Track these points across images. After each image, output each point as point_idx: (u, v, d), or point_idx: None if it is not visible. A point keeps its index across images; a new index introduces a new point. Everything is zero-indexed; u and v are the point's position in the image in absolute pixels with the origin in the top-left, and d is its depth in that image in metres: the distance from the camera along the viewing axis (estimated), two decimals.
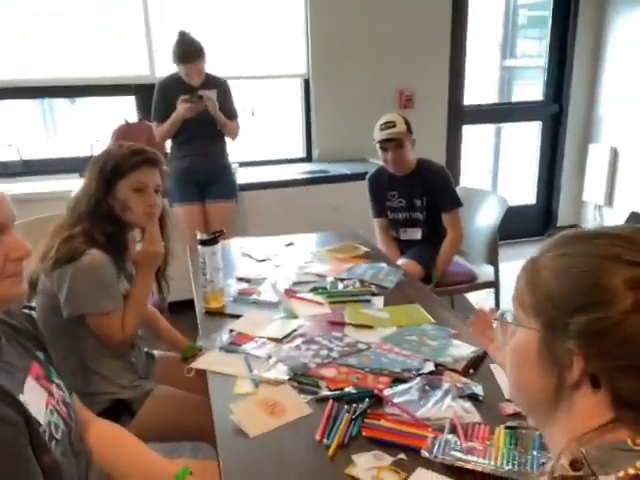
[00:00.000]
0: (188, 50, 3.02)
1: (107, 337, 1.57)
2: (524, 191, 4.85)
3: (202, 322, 1.76)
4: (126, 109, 3.63)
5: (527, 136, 4.80)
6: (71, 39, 3.43)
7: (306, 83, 3.96)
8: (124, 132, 3.33)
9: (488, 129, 4.89)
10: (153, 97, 3.18)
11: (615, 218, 4.35)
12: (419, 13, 3.99)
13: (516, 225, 4.64)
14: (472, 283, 2.81)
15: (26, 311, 1.46)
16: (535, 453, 1.08)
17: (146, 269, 1.66)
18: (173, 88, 3.11)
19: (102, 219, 1.58)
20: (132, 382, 1.67)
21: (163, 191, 1.71)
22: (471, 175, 4.59)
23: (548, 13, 4.44)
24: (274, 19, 3.78)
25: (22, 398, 0.92)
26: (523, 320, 0.71)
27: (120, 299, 1.60)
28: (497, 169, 5.00)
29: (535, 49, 4.91)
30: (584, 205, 4.71)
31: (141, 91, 3.62)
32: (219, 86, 3.17)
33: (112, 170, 1.59)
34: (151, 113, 3.20)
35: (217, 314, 1.80)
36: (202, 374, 1.47)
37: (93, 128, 3.70)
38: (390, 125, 2.58)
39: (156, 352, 1.92)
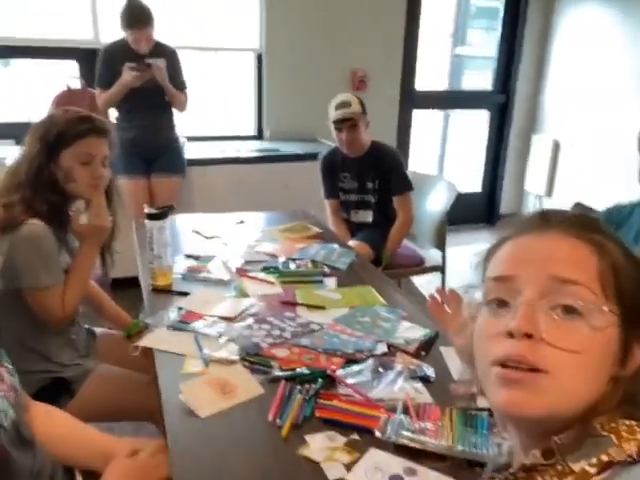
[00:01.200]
0: (137, 15, 2.88)
1: (45, 313, 1.49)
2: (470, 178, 4.96)
3: (148, 299, 1.70)
4: (68, 74, 3.43)
5: (475, 124, 4.89)
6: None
7: (259, 58, 3.87)
8: (65, 99, 3.15)
9: (437, 115, 4.94)
10: (97, 62, 3.02)
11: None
12: None
13: (462, 211, 4.75)
14: (420, 267, 2.85)
15: None
16: (485, 432, 1.11)
17: (91, 243, 1.58)
18: (119, 54, 2.96)
19: (44, 188, 1.48)
20: (72, 360, 1.60)
21: (110, 162, 1.63)
22: (419, 160, 4.64)
23: (500, 4, 4.51)
24: None
25: None
26: (597, 304, 0.58)
27: (61, 273, 1.51)
28: (444, 155, 5.08)
29: (486, 39, 4.99)
30: (526, 194, 4.86)
31: (84, 56, 3.44)
32: (168, 55, 3.05)
33: (56, 137, 1.49)
34: (95, 79, 3.05)
35: (164, 291, 1.74)
36: (147, 353, 1.42)
37: (31, 93, 3.49)
38: (345, 105, 2.57)
39: (98, 329, 1.85)
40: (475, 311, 0.67)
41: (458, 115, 4.97)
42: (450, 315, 1.16)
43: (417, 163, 4.53)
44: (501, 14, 4.51)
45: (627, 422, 0.58)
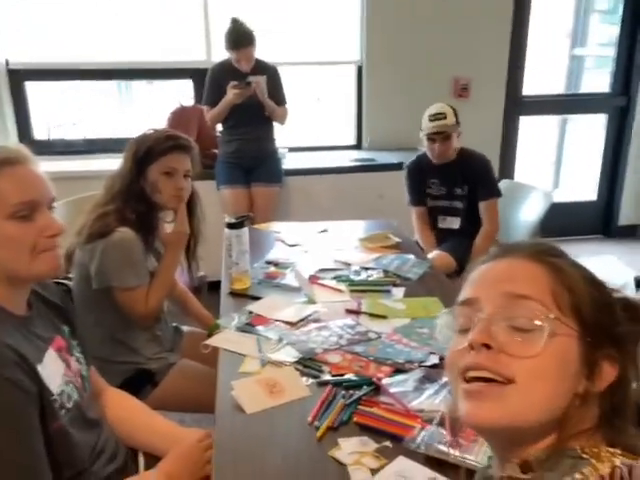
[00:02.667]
0: (239, 37, 3.10)
1: (131, 310, 1.68)
2: (585, 187, 4.66)
3: (224, 302, 1.84)
4: (181, 92, 3.76)
5: (592, 130, 4.59)
6: (131, 24, 3.59)
7: (359, 70, 3.96)
8: (178, 115, 3.46)
9: (552, 121, 4.71)
10: (205, 82, 3.28)
11: None
12: None
13: (573, 223, 4.49)
14: None
15: (61, 282, 1.59)
16: None
17: (173, 248, 1.75)
18: (223, 73, 3.20)
19: (133, 199, 1.68)
20: (156, 354, 1.78)
21: (193, 175, 1.79)
22: (528, 170, 4.46)
23: (619, 1, 4.21)
24: (329, 4, 3.79)
25: (40, 367, 1.00)
26: (554, 320, 0.61)
27: (146, 275, 1.69)
28: (560, 163, 4.82)
29: (607, 37, 4.67)
30: None
31: (198, 75, 3.74)
32: (268, 72, 3.24)
33: (145, 153, 1.68)
34: (202, 97, 3.31)
35: (241, 295, 1.87)
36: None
37: (151, 111, 3.86)
38: (440, 117, 2.58)
39: (185, 327, 2.03)
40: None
41: (575, 120, 4.69)
42: None
43: (525, 173, 4.36)
44: (620, 11, 4.21)
45: (611, 450, 0.59)
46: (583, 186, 4.69)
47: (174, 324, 1.99)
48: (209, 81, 3.27)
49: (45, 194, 1.06)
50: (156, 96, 4.09)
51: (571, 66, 4.77)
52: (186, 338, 1.98)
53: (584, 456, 0.58)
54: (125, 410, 1.34)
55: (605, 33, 4.72)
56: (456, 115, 2.62)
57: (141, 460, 1.30)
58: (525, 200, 2.84)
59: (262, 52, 3.28)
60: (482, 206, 2.65)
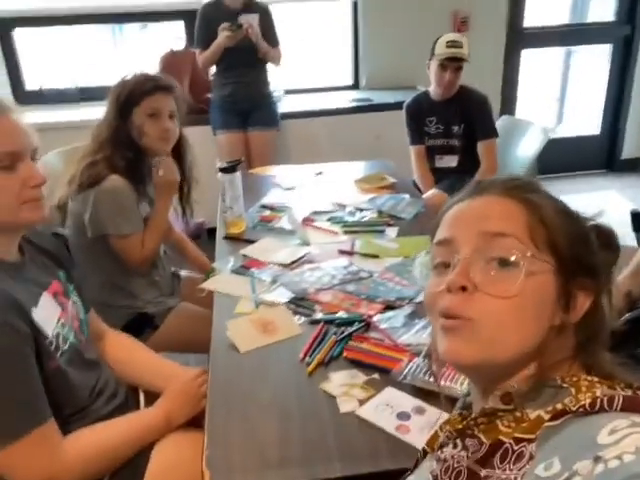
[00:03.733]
0: None
1: (127, 256, 1.71)
2: (588, 122, 4.58)
3: (219, 246, 1.86)
4: (172, 36, 3.67)
5: (596, 61, 4.46)
6: None
7: (355, 6, 3.83)
8: (169, 60, 3.39)
9: (556, 54, 4.57)
10: (195, 23, 3.20)
11: None
12: None
13: (579, 157, 4.45)
14: None
15: (56, 231, 1.61)
16: None
17: (163, 195, 1.76)
18: (214, 13, 3.11)
19: (121, 145, 1.67)
20: (155, 298, 1.82)
21: (181, 118, 1.77)
22: (532, 105, 4.37)
23: None
24: None
25: (34, 311, 1.03)
26: (530, 256, 0.61)
27: (139, 222, 1.71)
28: (564, 97, 4.71)
29: None
30: None
31: (189, 16, 3.62)
32: (260, 11, 3.14)
33: (127, 97, 1.66)
34: (194, 40, 3.23)
35: (236, 239, 1.89)
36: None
37: (140, 56, 3.78)
38: (457, 45, 2.53)
39: (183, 272, 2.06)
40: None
41: (579, 51, 4.54)
42: None
43: (527, 108, 4.27)
44: None
45: (589, 378, 0.60)
46: (587, 120, 4.60)
47: (172, 269, 2.02)
48: (199, 22, 3.18)
49: (27, 144, 1.06)
50: (149, 40, 3.99)
51: None
52: (184, 283, 2.01)
53: (564, 385, 0.60)
54: (125, 351, 1.39)
55: None
56: (469, 50, 2.57)
57: (141, 397, 1.35)
58: (523, 136, 2.81)
59: None
60: (480, 146, 2.63)
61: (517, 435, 0.58)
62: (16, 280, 1.04)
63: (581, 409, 0.54)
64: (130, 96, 1.66)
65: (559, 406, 0.57)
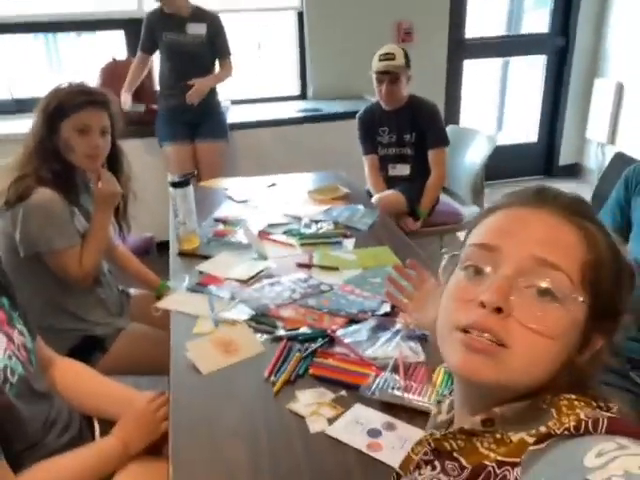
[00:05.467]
0: None
1: (64, 273, 1.61)
2: (526, 130, 4.75)
3: (174, 263, 1.80)
4: (116, 46, 3.56)
5: (533, 71, 4.64)
6: None
7: (300, 16, 3.84)
8: (111, 69, 3.28)
9: (494, 64, 4.72)
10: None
11: None
12: None
13: (516, 164, 4.59)
14: (458, 224, 2.81)
15: None
16: None
17: (101, 208, 1.67)
18: (158, 20, 3.06)
19: (48, 157, 1.58)
20: (103, 319, 1.73)
21: (117, 132, 1.70)
22: (472, 114, 4.49)
23: None
24: None
25: None
26: (569, 289, 0.59)
27: (74, 236, 1.61)
28: (502, 107, 4.87)
29: None
30: (587, 143, 4.60)
31: (129, 26, 3.54)
32: (209, 20, 3.09)
33: (55, 109, 1.57)
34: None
35: (190, 255, 1.84)
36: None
37: (80, 66, 3.65)
38: (390, 57, 2.58)
39: (132, 290, 1.98)
40: (448, 276, 0.67)
41: (516, 62, 4.71)
42: (409, 294, 1.29)
43: (470, 117, 4.39)
44: None
45: (567, 396, 0.59)
46: (525, 128, 4.77)
47: (120, 287, 1.93)
48: (144, 27, 3.12)
49: None
50: (85, 50, 3.85)
51: (511, 6, 4.76)
52: (134, 301, 1.93)
53: (544, 407, 0.58)
54: (74, 377, 1.31)
55: None
56: (407, 58, 2.62)
57: (96, 426, 1.29)
58: (470, 144, 2.87)
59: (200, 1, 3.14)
60: (430, 154, 2.69)
61: (500, 459, 0.57)
62: None
63: (566, 432, 0.53)
64: (59, 108, 1.56)
65: (543, 429, 0.55)
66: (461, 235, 2.45)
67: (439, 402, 0.78)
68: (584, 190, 4.37)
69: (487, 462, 0.57)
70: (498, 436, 0.59)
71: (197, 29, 3.07)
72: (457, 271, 0.65)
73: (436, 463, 0.64)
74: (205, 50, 3.12)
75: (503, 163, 4.39)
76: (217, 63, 3.22)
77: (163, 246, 2.89)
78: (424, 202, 2.69)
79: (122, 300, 1.88)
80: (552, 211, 0.61)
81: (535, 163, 4.74)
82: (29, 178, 1.54)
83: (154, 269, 2.08)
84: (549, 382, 0.60)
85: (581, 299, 0.59)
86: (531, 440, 0.55)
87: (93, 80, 3.30)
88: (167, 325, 1.69)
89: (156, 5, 3.10)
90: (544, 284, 0.58)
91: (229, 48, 3.21)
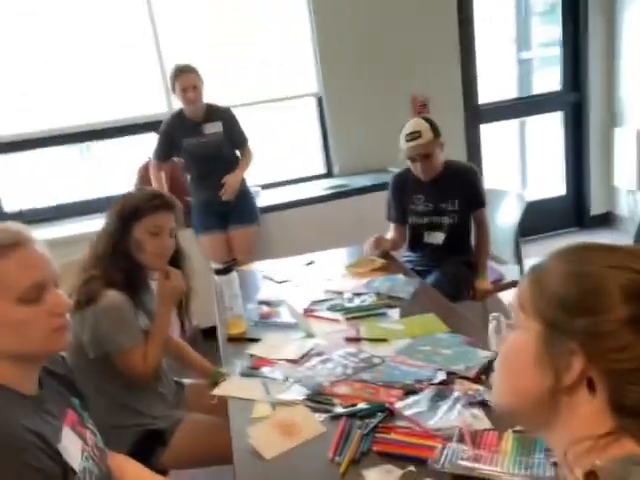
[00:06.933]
0: (180, 65, 3.17)
1: (130, 371, 1.65)
2: (553, 184, 4.77)
3: (224, 348, 1.83)
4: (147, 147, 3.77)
5: (550, 128, 4.72)
6: (87, 86, 3.60)
7: (319, 101, 4.03)
8: (148, 168, 3.46)
9: (511, 125, 4.82)
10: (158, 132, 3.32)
11: None
12: (423, 16, 4.00)
13: (547, 219, 4.58)
14: (499, 283, 2.79)
15: (61, 354, 1.55)
16: (541, 456, 1.10)
17: (167, 304, 1.74)
18: (177, 125, 3.22)
19: (120, 258, 1.66)
20: (163, 412, 1.74)
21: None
22: (495, 175, 4.54)
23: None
24: (281, 43, 3.87)
25: (60, 447, 0.98)
26: (522, 321, 0.72)
27: (139, 335, 1.67)
28: (525, 165, 4.93)
29: (550, 38, 4.84)
30: (616, 191, 4.59)
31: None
32: (222, 116, 3.25)
33: (131, 212, 1.68)
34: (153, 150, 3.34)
35: (239, 339, 1.86)
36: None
37: (118, 168, 3.85)
38: (416, 136, 2.48)
39: (186, 380, 2.00)
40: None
41: (532, 121, 4.82)
42: None
43: (493, 178, 4.44)
44: (559, 8, 4.38)
45: None
46: (551, 183, 4.79)
47: (175, 379, 1.96)
48: (161, 133, 3.29)
49: (50, 273, 1.04)
50: (116, 154, 4.06)
51: (520, 69, 4.92)
52: (189, 391, 1.95)
53: None
54: (130, 476, 1.30)
55: (547, 34, 4.90)
56: (434, 129, 2.53)
57: None
58: (500, 205, 2.90)
59: (217, 97, 3.33)
60: (475, 216, 2.64)
61: None
62: (38, 415, 1.00)
63: None
64: (135, 211, 1.67)
65: None
66: (502, 296, 2.41)
67: (555, 464, 0.77)
68: (621, 238, 4.31)
69: None
70: None
71: (214, 128, 3.22)
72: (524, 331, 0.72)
73: None
74: (225, 145, 3.26)
75: (535, 219, 4.39)
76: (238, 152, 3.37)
77: (207, 333, 2.92)
78: (482, 261, 2.60)
79: (178, 391, 1.90)
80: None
81: (567, 216, 4.73)
82: (99, 280, 1.62)
83: (204, 356, 2.10)
84: (550, 407, 0.69)
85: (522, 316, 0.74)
86: None
87: (132, 179, 3.48)
88: (224, 412, 1.70)
89: (175, 107, 3.30)
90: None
91: (246, 135, 3.35)
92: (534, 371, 0.68)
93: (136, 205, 1.69)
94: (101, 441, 1.19)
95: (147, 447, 1.63)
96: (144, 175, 3.44)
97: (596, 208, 4.69)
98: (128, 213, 1.68)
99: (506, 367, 0.74)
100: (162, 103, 3.73)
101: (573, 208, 4.74)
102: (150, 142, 3.77)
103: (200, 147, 3.22)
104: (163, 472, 1.64)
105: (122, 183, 3.47)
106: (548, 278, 0.70)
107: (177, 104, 3.60)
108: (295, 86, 4.00)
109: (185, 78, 3.13)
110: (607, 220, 4.67)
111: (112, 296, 1.60)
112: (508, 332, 0.75)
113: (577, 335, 0.65)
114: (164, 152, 3.28)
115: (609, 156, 4.50)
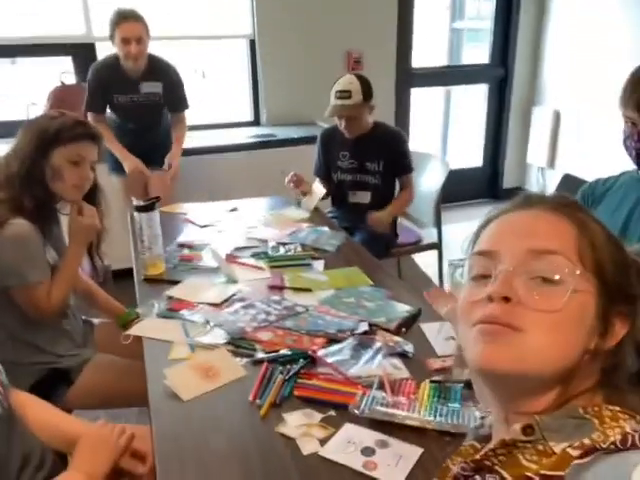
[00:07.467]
0: (125, 11, 2.85)
1: (33, 308, 1.54)
2: (472, 154, 4.93)
3: (140, 289, 1.75)
4: (64, 70, 3.47)
5: (475, 99, 4.85)
6: None
7: (252, 44, 3.88)
8: (61, 94, 3.19)
9: (438, 92, 4.90)
10: (87, 79, 2.97)
11: (557, 180, 4.48)
12: None
13: (463, 188, 4.75)
14: (416, 245, 2.87)
15: None
16: (456, 405, 1.14)
17: (78, 241, 1.62)
18: (110, 78, 2.90)
19: (33, 184, 1.52)
20: (68, 351, 1.65)
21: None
22: (420, 139, 4.62)
23: None
24: None
25: None
26: (583, 277, 0.61)
27: (47, 270, 1.56)
28: (447, 133, 5.05)
29: (484, 10, 4.92)
30: (528, 167, 4.82)
31: (78, 51, 3.47)
32: (164, 75, 2.97)
33: (52, 135, 1.53)
34: (85, 100, 2.99)
35: (156, 281, 1.78)
36: (141, 341, 1.47)
37: (26, 91, 3.53)
38: (345, 95, 2.45)
39: (95, 320, 1.90)
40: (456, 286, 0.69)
41: (459, 91, 4.92)
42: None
43: (418, 142, 4.51)
44: None
45: (610, 407, 0.59)
46: (470, 153, 4.95)
47: (83, 317, 1.85)
48: (92, 84, 2.93)
49: None
50: (21, 75, 3.70)
51: (452, 38, 4.98)
52: (98, 331, 1.86)
53: (586, 416, 0.58)
54: (34, 413, 1.22)
55: (481, 6, 4.98)
56: (365, 91, 2.49)
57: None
58: (425, 169, 2.95)
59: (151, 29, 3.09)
60: (400, 181, 2.66)
61: (543, 472, 0.55)
62: None
63: (612, 446, 0.52)
64: (55, 136, 1.52)
65: (587, 441, 0.55)
66: (416, 257, 2.48)
67: (483, 417, 0.74)
68: None
69: (529, 474, 0.56)
70: (540, 447, 0.58)
71: (151, 88, 2.96)
72: (466, 284, 0.67)
73: (477, 477, 0.62)
74: (160, 106, 3.04)
75: (452, 187, 4.54)
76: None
77: (117, 275, 2.80)
78: (388, 208, 2.59)
79: (86, 330, 1.80)
80: (539, 208, 0.65)
81: (481, 187, 4.92)
82: (5, 205, 1.48)
83: (114, 298, 2.00)
84: (575, 372, 0.60)
85: (578, 272, 0.60)
86: (575, 453, 0.54)
87: (42, 104, 3.20)
88: (135, 354, 1.63)
89: (96, 34, 3.00)
90: (544, 272, 0.60)
91: (187, 103, 3.11)
92: (587, 333, 0.61)
93: (58, 129, 1.54)
94: (5, 378, 1.10)
95: (51, 386, 1.55)
96: (55, 101, 3.16)
97: (508, 182, 4.91)
98: (48, 136, 1.53)
99: (568, 329, 0.60)
100: (80, 25, 3.43)
101: (488, 180, 4.94)
102: (63, 66, 3.49)
103: (132, 107, 2.95)
104: (67, 412, 1.56)
105: (31, 107, 3.19)
106: (596, 232, 0.64)
107: (98, 28, 3.33)
108: (228, 26, 3.81)
109: (128, 27, 2.76)
110: (518, 194, 4.89)
111: (20, 225, 1.47)
112: (558, 288, 0.61)
113: (631, 300, 0.63)
114: (99, 105, 2.94)
115: (526, 133, 4.70)
